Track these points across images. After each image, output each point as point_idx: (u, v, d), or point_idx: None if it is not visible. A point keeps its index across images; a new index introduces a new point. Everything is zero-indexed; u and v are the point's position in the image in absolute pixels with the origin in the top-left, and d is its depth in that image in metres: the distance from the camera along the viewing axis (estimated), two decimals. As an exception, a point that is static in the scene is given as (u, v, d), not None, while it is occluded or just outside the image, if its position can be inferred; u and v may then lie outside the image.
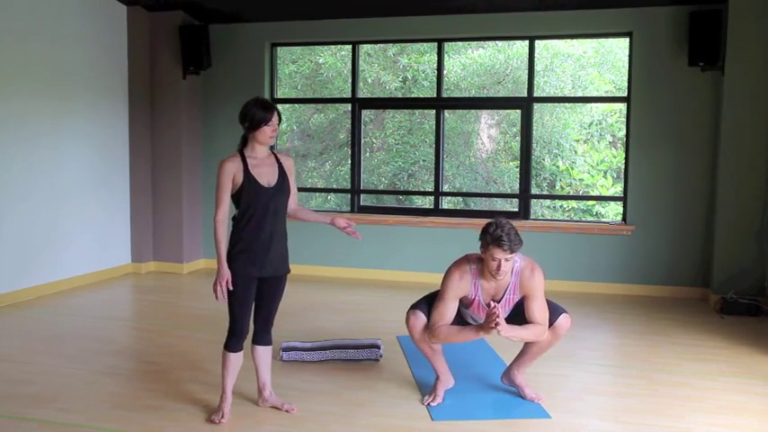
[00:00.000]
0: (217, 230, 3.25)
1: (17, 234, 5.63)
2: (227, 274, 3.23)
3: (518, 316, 3.36)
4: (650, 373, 3.99)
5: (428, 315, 3.39)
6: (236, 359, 3.34)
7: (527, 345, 3.48)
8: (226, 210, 3.26)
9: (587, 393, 3.68)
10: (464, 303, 3.41)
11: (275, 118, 3.28)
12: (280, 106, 7.44)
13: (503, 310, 3.32)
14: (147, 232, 7.01)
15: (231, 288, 3.25)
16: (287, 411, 3.39)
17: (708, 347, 4.53)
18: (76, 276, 6.26)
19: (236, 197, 3.27)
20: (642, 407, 3.48)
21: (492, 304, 3.16)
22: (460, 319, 3.45)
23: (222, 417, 3.29)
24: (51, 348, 4.39)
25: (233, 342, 3.33)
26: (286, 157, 3.43)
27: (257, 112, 3.25)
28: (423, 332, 3.37)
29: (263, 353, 3.44)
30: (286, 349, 4.13)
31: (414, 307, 3.45)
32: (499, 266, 3.18)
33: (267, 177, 3.27)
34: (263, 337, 3.44)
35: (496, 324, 3.12)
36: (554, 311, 3.36)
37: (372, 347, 4.15)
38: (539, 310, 3.30)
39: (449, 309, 3.32)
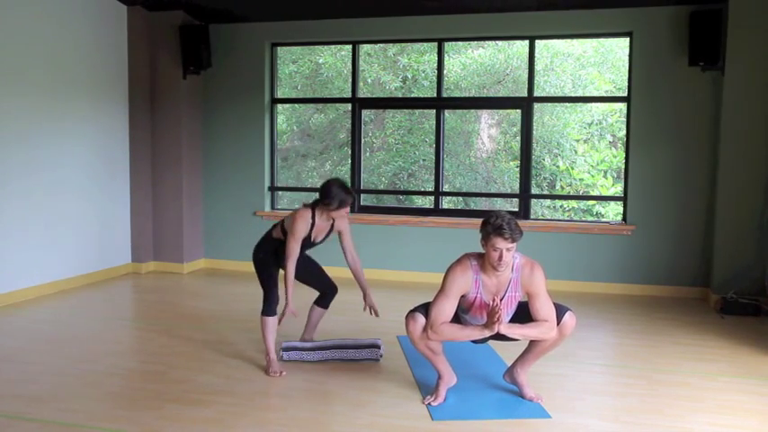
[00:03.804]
0: (290, 274, 3.93)
1: (17, 234, 5.63)
2: (292, 307, 3.92)
3: (522, 317, 3.36)
4: (650, 373, 4.00)
5: (427, 316, 3.38)
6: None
7: (532, 343, 3.48)
8: (297, 255, 3.96)
9: (587, 393, 3.68)
10: (463, 308, 3.40)
11: (349, 205, 3.95)
12: (280, 106, 7.49)
13: (506, 309, 3.32)
14: (148, 232, 7.01)
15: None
16: None
17: (708, 347, 4.53)
18: (76, 276, 6.26)
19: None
20: (642, 407, 3.48)
21: (495, 299, 3.16)
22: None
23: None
24: (51, 348, 4.39)
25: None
26: (342, 220, 4.09)
27: (340, 195, 3.89)
28: (422, 334, 3.36)
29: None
30: (286, 349, 4.13)
31: (412, 311, 3.45)
32: (501, 257, 3.18)
33: (318, 235, 4.06)
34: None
35: (499, 318, 3.12)
36: (559, 310, 3.36)
37: (372, 347, 4.15)
38: (544, 307, 3.30)
39: (449, 304, 3.31)
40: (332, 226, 4.09)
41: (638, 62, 6.11)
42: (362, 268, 4.21)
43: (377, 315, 4.16)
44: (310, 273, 4.27)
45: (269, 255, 4.07)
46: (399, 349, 4.39)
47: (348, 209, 3.96)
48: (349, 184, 6.98)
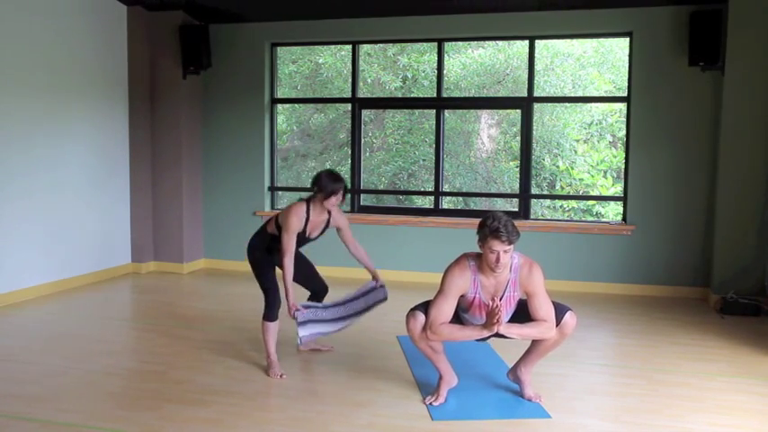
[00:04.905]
0: (288, 271, 3.85)
1: (17, 233, 5.62)
2: (294, 305, 3.85)
3: (521, 315, 3.36)
4: (650, 373, 4.00)
5: (426, 316, 3.38)
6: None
7: (534, 342, 3.48)
8: (293, 251, 3.89)
9: (587, 393, 3.68)
10: (463, 307, 3.41)
11: (341, 191, 3.89)
12: (280, 106, 7.49)
13: (505, 309, 3.32)
14: (148, 232, 7.01)
15: (297, 316, 3.89)
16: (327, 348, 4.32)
17: (708, 347, 4.53)
18: (76, 276, 6.26)
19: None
20: (642, 407, 3.48)
21: (494, 300, 3.16)
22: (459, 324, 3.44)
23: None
24: (51, 348, 4.39)
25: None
26: (338, 214, 4.07)
27: (329, 184, 3.86)
28: (422, 332, 3.37)
29: None
30: (302, 323, 3.90)
31: (413, 309, 3.45)
32: (498, 259, 3.18)
33: (313, 230, 4.01)
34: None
35: (498, 320, 3.13)
36: (559, 310, 3.36)
37: (376, 289, 4.17)
38: (542, 306, 3.30)
39: (448, 304, 3.31)
40: (328, 221, 4.04)
41: (638, 62, 6.10)
42: (367, 254, 4.22)
43: (377, 283, 4.22)
44: (303, 272, 4.16)
45: (263, 252, 4.02)
46: (399, 349, 4.39)
47: (340, 197, 3.89)
48: (349, 184, 7.06)
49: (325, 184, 3.86)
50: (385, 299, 4.20)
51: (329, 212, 4.01)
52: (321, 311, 4.04)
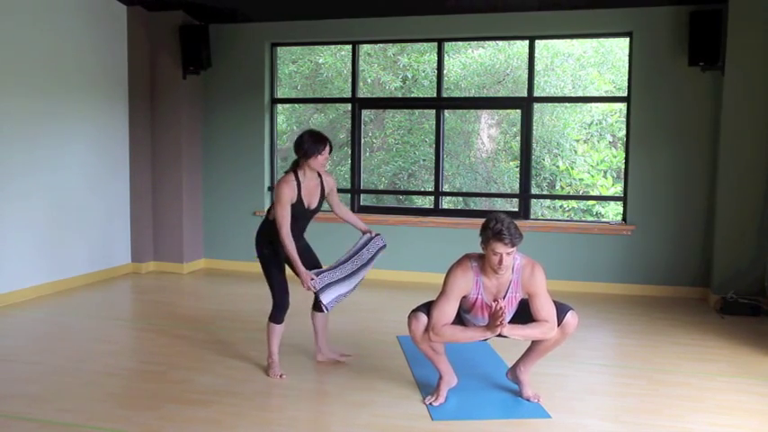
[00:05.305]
0: (287, 244, 3.71)
1: (17, 234, 5.62)
2: (307, 275, 3.73)
3: (522, 315, 3.36)
4: (650, 373, 4.00)
5: (429, 317, 3.38)
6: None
7: (534, 342, 3.48)
8: (289, 224, 3.72)
9: (587, 393, 3.68)
10: (465, 308, 3.41)
11: (327, 148, 3.79)
12: (280, 106, 7.50)
13: (507, 309, 3.32)
14: (147, 232, 7.01)
15: (314, 285, 3.74)
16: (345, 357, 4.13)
17: (708, 347, 4.53)
18: (76, 276, 6.26)
19: None
20: (642, 407, 3.48)
21: (497, 302, 3.15)
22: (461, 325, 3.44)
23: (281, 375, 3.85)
24: (51, 348, 4.39)
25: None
26: (327, 176, 3.96)
27: (312, 146, 3.75)
28: (424, 334, 3.36)
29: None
30: (321, 289, 3.81)
31: (415, 310, 3.45)
32: (501, 261, 3.18)
33: (311, 199, 3.85)
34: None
35: (501, 322, 3.13)
36: (561, 310, 3.36)
37: (373, 239, 4.10)
38: (544, 307, 3.30)
39: (451, 306, 3.31)
40: (322, 186, 3.90)
41: (638, 62, 6.10)
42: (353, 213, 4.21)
43: (371, 234, 4.12)
44: (306, 261, 3.86)
45: (270, 248, 3.85)
46: (399, 349, 4.39)
47: (327, 155, 3.78)
48: (349, 184, 7.08)
49: (308, 146, 3.73)
50: (384, 246, 4.12)
51: (320, 176, 3.89)
52: (333, 272, 3.91)
